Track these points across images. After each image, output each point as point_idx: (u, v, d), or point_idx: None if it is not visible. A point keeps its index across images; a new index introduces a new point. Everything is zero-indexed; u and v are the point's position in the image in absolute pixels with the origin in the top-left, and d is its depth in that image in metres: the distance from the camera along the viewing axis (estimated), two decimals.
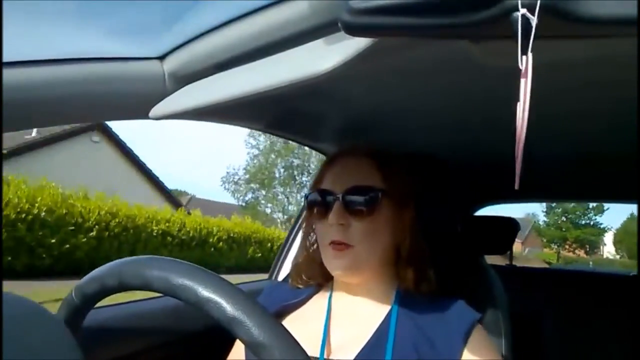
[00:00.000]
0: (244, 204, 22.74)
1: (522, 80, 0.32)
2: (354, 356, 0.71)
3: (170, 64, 0.64)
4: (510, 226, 1.41)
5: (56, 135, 12.21)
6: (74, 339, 0.40)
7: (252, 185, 22.84)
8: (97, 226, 8.51)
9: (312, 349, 0.69)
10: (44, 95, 0.55)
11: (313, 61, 0.48)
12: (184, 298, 0.42)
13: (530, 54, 0.32)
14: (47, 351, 0.37)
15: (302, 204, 1.11)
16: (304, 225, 0.89)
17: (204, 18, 0.59)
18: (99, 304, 0.52)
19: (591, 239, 34.34)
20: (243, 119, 0.97)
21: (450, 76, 0.70)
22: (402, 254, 0.78)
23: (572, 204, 31.76)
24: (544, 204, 33.81)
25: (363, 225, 0.74)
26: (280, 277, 1.49)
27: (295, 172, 22.67)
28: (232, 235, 11.96)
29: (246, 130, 23.92)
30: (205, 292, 0.41)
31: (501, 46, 0.41)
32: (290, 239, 1.54)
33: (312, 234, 0.85)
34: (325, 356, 0.72)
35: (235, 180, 23.02)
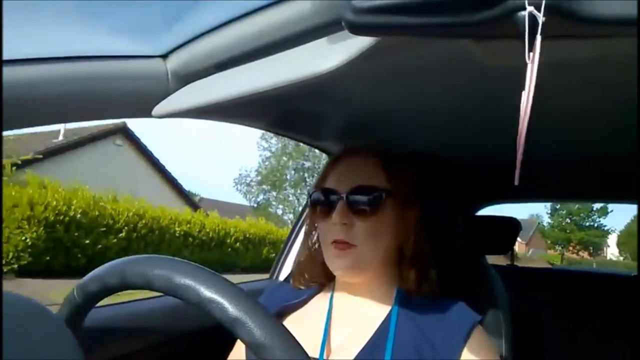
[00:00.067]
0: (255, 205, 23.20)
1: (528, 76, 0.32)
2: (353, 356, 0.70)
3: (173, 63, 0.64)
4: (511, 226, 1.40)
5: (83, 139, 12.80)
6: (75, 339, 0.40)
7: (264, 186, 23.31)
8: (126, 227, 8.81)
9: (312, 349, 0.69)
10: (47, 93, 0.55)
11: (315, 61, 0.48)
12: (186, 298, 0.42)
13: (537, 53, 0.31)
14: (47, 351, 0.37)
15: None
16: (306, 224, 0.89)
17: (205, 17, 0.59)
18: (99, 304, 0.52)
19: (595, 241, 34.28)
20: (245, 118, 0.97)
21: (452, 76, 0.69)
22: (406, 254, 0.77)
23: (577, 206, 31.82)
24: (548, 206, 33.98)
25: (366, 225, 0.73)
26: (282, 277, 1.49)
27: (306, 175, 22.96)
28: (247, 236, 12.26)
29: (258, 133, 25.19)
30: (207, 292, 0.41)
31: (504, 46, 0.41)
32: (292, 239, 1.54)
33: (314, 232, 0.85)
34: (325, 356, 0.72)
35: (247, 182, 23.57)
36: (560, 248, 34.38)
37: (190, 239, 10.38)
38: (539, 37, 0.31)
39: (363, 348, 0.71)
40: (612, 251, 39.22)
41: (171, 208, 10.72)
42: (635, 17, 0.30)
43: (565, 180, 1.59)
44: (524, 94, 0.32)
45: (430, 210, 0.82)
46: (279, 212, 23.45)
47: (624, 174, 1.31)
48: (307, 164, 22.98)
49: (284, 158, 23.17)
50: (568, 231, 33.63)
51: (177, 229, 10.05)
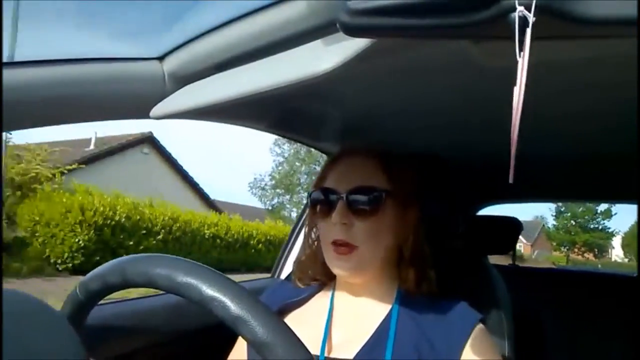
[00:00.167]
0: (270, 208, 24.20)
1: (518, 75, 0.32)
2: (354, 355, 0.71)
3: (170, 64, 0.65)
4: (513, 226, 1.40)
5: (113, 149, 13.87)
6: (77, 336, 0.40)
7: (278, 190, 24.36)
8: (162, 230, 9.57)
9: (313, 348, 0.69)
10: (44, 95, 0.56)
11: (312, 62, 0.48)
12: (188, 296, 0.42)
13: (527, 53, 0.32)
14: (50, 348, 0.37)
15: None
16: (306, 223, 0.90)
17: (204, 18, 0.60)
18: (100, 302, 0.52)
19: (600, 243, 34.08)
20: (243, 119, 0.97)
21: (449, 76, 0.69)
22: (405, 255, 0.77)
23: (581, 209, 31.67)
24: (553, 208, 33.82)
25: (366, 225, 0.73)
26: (283, 275, 1.50)
27: None
28: (268, 237, 12.79)
29: (271, 139, 26.48)
30: (209, 291, 0.41)
31: (500, 47, 0.41)
32: (293, 238, 1.54)
33: (314, 229, 0.85)
34: (325, 354, 0.73)
35: (262, 185, 24.69)
36: (565, 250, 34.24)
37: (218, 240, 10.98)
38: (528, 36, 0.31)
39: (363, 346, 0.71)
40: (617, 253, 39.03)
41: (198, 212, 11.39)
42: (634, 18, 0.30)
43: (565, 181, 1.59)
44: (515, 93, 0.32)
45: (430, 210, 0.82)
46: (293, 214, 24.27)
47: (624, 174, 1.30)
48: (318, 169, 23.58)
49: (297, 163, 24.26)
50: (573, 233, 33.49)
51: (206, 231, 10.65)
